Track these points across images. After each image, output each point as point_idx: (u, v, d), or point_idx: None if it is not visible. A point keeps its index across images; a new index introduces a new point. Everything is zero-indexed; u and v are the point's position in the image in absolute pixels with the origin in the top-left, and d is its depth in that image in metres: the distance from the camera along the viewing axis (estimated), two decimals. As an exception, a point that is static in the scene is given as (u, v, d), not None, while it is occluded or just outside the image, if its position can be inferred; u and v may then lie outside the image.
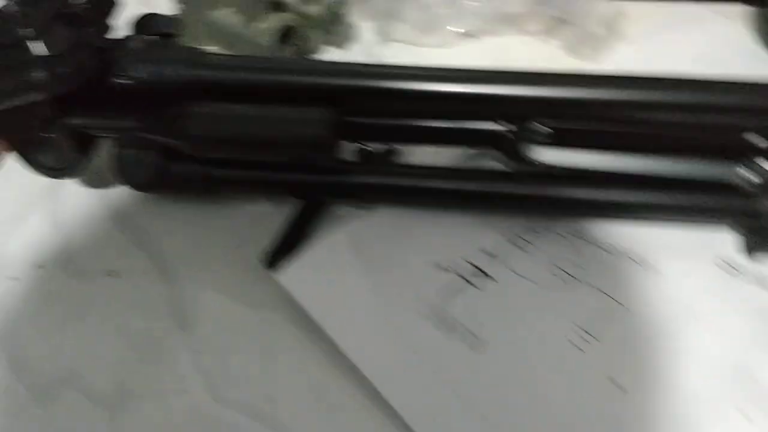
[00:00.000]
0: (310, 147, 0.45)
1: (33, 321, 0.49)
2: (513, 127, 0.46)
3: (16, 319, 0.49)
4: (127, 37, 0.48)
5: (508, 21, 0.63)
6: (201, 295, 0.49)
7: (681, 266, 0.47)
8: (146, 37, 0.48)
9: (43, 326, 0.48)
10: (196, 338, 0.47)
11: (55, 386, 0.45)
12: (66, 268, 0.51)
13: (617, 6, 0.63)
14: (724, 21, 0.65)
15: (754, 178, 0.45)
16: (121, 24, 0.49)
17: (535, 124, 0.46)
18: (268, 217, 0.52)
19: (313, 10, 0.60)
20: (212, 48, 0.60)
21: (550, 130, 0.45)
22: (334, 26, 0.62)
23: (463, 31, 0.64)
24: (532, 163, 0.46)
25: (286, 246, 0.50)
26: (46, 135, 0.48)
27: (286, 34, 0.60)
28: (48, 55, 0.44)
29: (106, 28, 0.49)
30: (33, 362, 0.47)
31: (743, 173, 0.45)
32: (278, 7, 0.61)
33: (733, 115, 0.45)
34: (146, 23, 0.50)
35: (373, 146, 0.51)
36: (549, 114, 0.45)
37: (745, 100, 0.45)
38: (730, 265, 0.47)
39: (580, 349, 0.43)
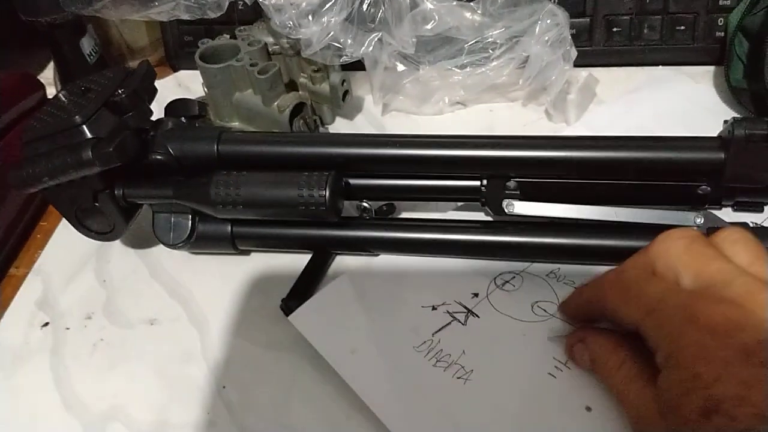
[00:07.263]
0: (316, 205, 0.52)
1: (84, 365, 0.54)
2: (486, 183, 0.53)
3: (69, 363, 0.55)
4: (160, 120, 0.57)
5: (494, 90, 0.70)
6: (227, 339, 0.54)
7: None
8: (175, 119, 0.56)
9: (92, 369, 0.54)
10: (224, 377, 0.52)
11: (103, 420, 0.50)
12: (111, 317, 0.58)
13: (590, 72, 0.70)
14: (688, 81, 0.71)
15: (706, 223, 0.52)
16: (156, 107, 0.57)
17: (509, 179, 0.53)
18: (287, 268, 0.58)
19: (322, 88, 0.68)
20: (235, 124, 0.68)
21: (515, 184, 0.52)
22: (341, 101, 0.69)
23: (454, 100, 0.71)
24: (507, 214, 0.53)
25: (300, 293, 0.55)
26: (94, 204, 0.56)
27: (300, 109, 0.67)
28: (94, 138, 0.51)
29: (146, 112, 0.56)
30: (85, 400, 0.52)
31: (697, 219, 0.52)
32: (292, 87, 0.69)
33: (684, 168, 0.52)
34: (176, 107, 0.58)
35: (373, 203, 0.58)
36: (516, 171, 0.52)
37: (691, 154, 0.51)
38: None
39: (554, 377, 0.48)
